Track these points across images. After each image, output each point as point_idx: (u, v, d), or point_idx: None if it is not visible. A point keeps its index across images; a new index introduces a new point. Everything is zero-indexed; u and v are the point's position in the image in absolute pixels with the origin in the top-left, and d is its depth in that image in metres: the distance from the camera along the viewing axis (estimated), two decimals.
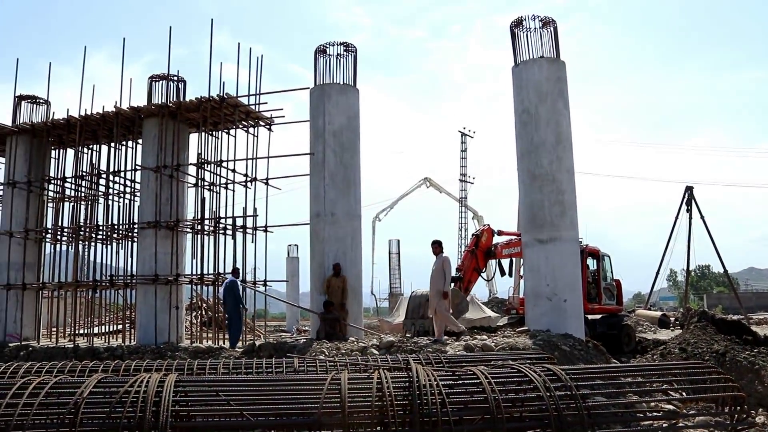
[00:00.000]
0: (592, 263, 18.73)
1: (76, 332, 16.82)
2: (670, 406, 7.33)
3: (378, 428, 5.55)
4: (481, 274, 19.73)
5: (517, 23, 14.37)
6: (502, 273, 20.39)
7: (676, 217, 38.78)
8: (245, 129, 16.25)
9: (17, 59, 18.01)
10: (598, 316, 18.40)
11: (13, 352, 14.64)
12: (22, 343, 15.82)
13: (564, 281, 13.29)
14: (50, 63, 17.75)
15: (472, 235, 21.32)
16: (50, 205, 18.22)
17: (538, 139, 13.64)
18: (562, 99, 13.91)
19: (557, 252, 13.33)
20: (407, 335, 14.37)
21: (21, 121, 17.87)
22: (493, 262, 20.88)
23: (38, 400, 5.34)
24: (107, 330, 18.39)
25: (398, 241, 57.02)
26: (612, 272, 19.73)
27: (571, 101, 14.18)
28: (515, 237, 18.84)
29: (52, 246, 17.51)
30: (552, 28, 14.19)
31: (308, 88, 15.95)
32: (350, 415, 5.40)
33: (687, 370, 6.94)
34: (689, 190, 38.34)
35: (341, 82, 15.67)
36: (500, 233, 19.76)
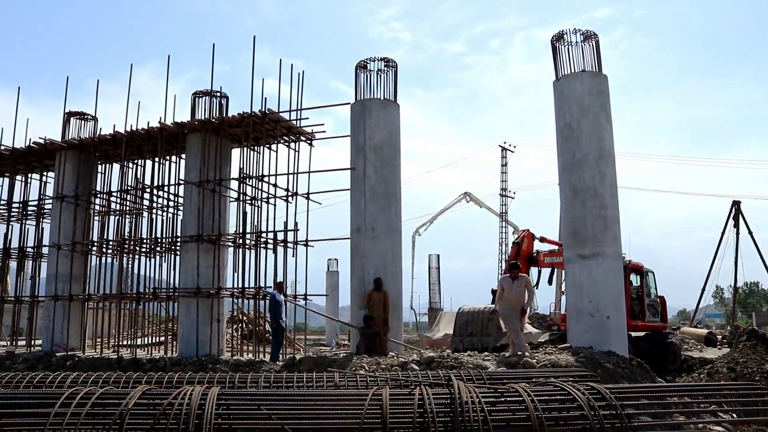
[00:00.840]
0: (635, 279, 18.38)
1: (120, 343, 17.13)
2: (720, 428, 7.13)
3: None
4: None
5: (558, 37, 14.24)
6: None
7: (723, 232, 37.93)
8: (286, 144, 16.42)
9: (67, 77, 18.54)
10: (642, 334, 18.00)
11: (59, 362, 14.98)
12: (69, 353, 16.17)
13: (607, 297, 13.04)
14: (98, 80, 18.25)
15: (513, 243, 20.99)
16: (96, 218, 18.64)
17: (580, 154, 13.45)
18: (605, 113, 13.70)
19: (600, 268, 13.10)
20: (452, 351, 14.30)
21: (70, 137, 18.40)
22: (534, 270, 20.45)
23: (85, 410, 5.46)
24: (150, 341, 18.69)
25: (438, 255, 57.12)
26: (656, 288, 19.31)
27: (613, 115, 13.97)
28: (557, 247, 18.57)
29: (98, 258, 17.84)
30: (594, 42, 14.02)
31: (349, 103, 16.08)
32: (391, 431, 5.38)
33: (737, 391, 6.74)
34: (736, 204, 37.49)
35: (382, 97, 15.75)
36: (542, 240, 19.50)
